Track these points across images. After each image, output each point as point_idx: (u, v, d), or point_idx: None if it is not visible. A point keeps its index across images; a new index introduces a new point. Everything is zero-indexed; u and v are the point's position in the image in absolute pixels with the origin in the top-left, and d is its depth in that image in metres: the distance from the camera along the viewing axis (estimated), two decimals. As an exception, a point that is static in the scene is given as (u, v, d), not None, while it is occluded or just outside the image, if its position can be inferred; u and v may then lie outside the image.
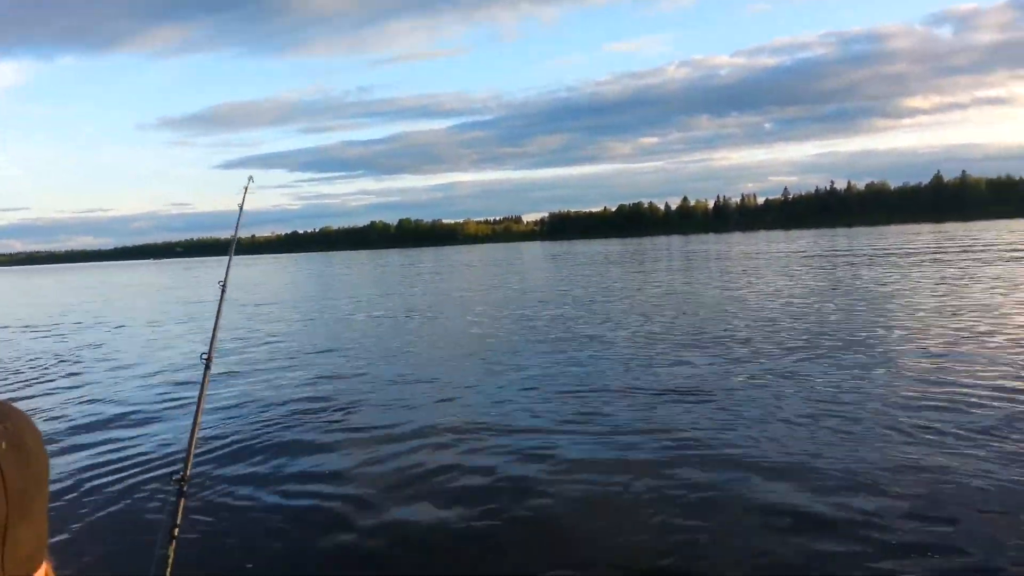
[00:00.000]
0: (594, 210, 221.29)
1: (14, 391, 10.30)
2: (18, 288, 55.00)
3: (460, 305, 19.81)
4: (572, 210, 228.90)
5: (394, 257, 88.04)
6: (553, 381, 8.72)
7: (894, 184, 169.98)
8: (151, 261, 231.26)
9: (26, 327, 19.80)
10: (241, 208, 4.40)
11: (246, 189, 4.46)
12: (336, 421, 7.47)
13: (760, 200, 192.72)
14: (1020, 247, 30.82)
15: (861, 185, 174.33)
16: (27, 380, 11.11)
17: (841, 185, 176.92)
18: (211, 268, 75.24)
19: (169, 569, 2.11)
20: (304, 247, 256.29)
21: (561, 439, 6.26)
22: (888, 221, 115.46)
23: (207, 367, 2.92)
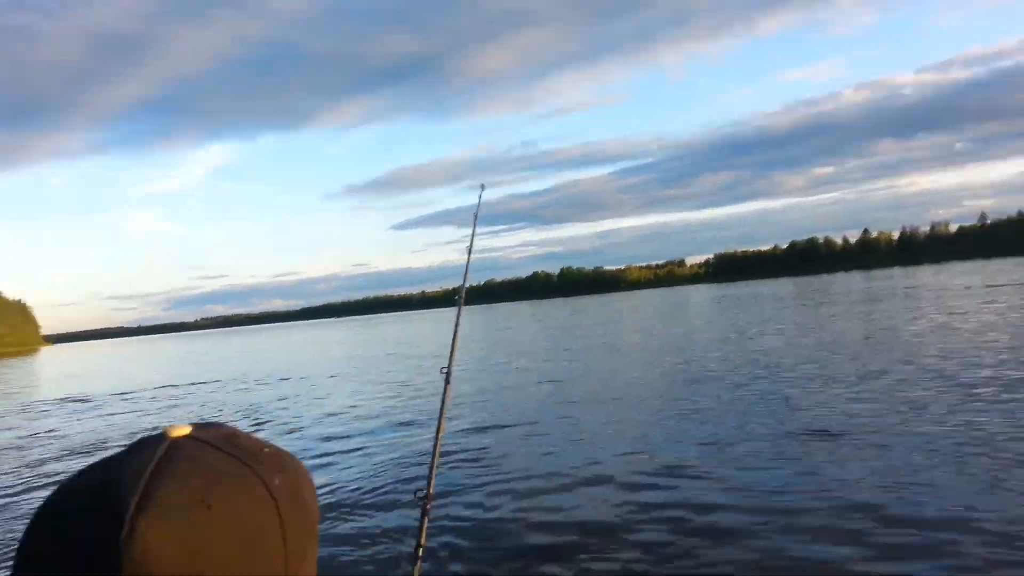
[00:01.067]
0: (763, 248, 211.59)
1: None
2: (227, 348, 61.32)
3: (626, 352, 19.39)
4: (740, 250, 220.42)
5: (556, 307, 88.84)
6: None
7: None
8: (336, 320, 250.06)
9: (251, 381, 21.90)
10: (473, 231, 4.13)
11: (480, 197, 4.17)
12: (557, 451, 8.07)
13: (953, 228, 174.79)
14: None
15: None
16: (259, 422, 12.42)
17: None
18: (388, 324, 80.00)
19: None
20: (469, 300, 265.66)
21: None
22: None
23: (447, 381, 2.79)
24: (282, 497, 0.57)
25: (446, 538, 5.43)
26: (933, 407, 8.43)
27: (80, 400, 20.75)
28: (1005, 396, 8.60)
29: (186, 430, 0.58)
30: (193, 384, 22.99)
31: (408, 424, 10.96)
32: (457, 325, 3.30)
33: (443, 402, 2.62)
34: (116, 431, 13.40)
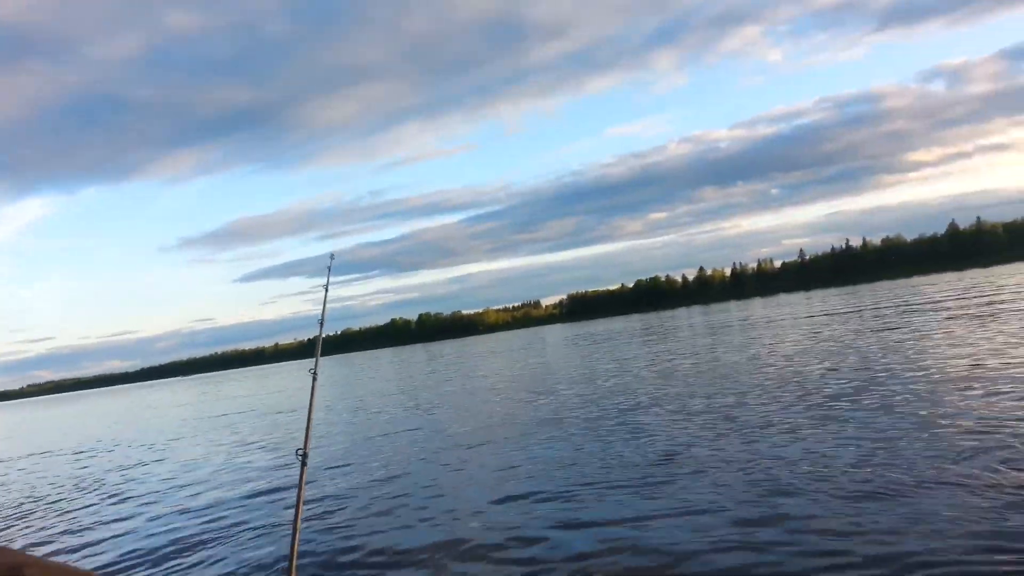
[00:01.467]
0: (612, 288, 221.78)
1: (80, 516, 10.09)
2: (54, 416, 55.35)
3: (495, 391, 19.52)
4: (590, 290, 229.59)
5: (417, 352, 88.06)
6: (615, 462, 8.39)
7: (909, 236, 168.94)
8: (179, 379, 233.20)
9: (66, 452, 19.74)
10: (326, 291, 4.11)
11: (329, 269, 4.25)
12: (426, 517, 7.35)
13: (777, 264, 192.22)
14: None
15: (877, 240, 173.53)
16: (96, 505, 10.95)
17: (856, 242, 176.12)
18: (237, 381, 75.55)
19: None
20: (327, 350, 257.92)
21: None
22: (910, 273, 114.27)
23: (303, 463, 2.73)
24: None
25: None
26: (770, 425, 9.17)
27: None
28: (837, 407, 9.52)
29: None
30: (13, 459, 20.58)
31: (259, 494, 10.37)
32: (311, 408, 3.29)
33: (300, 485, 2.56)
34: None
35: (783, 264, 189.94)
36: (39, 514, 10.92)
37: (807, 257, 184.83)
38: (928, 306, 28.81)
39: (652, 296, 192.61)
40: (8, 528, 10.23)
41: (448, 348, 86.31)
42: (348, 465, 11.20)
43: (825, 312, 36.96)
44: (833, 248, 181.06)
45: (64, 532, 9.37)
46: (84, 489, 12.81)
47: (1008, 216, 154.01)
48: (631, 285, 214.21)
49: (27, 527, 10.13)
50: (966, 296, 31.95)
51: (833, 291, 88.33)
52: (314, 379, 3.60)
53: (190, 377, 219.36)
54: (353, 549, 6.63)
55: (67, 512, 10.74)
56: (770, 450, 8.03)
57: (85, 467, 16.16)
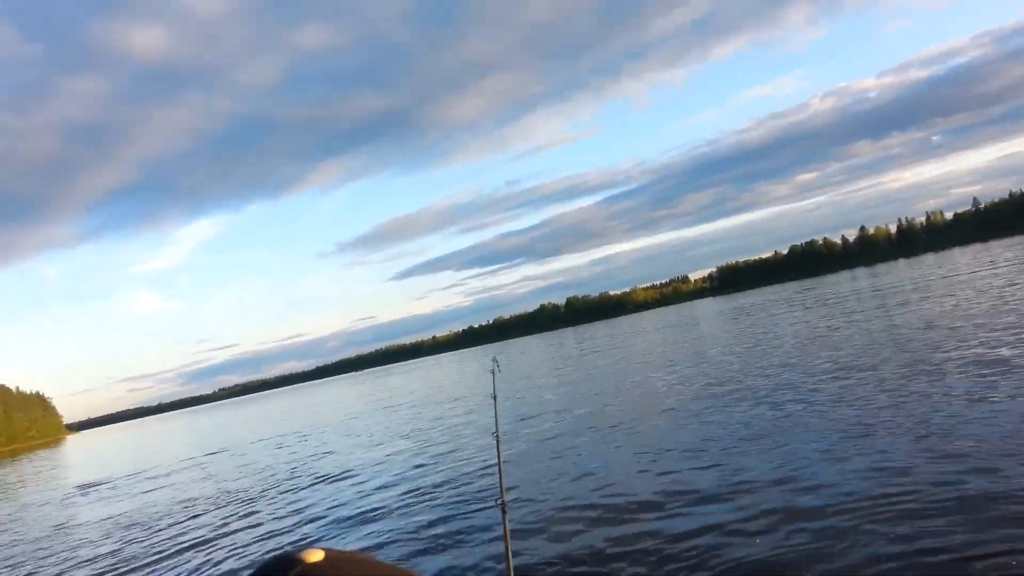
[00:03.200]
0: (764, 256, 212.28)
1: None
2: (251, 413, 62.11)
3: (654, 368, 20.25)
4: (741, 260, 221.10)
5: (568, 336, 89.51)
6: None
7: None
8: (352, 374, 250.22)
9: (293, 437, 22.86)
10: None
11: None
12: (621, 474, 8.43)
13: (948, 215, 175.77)
14: None
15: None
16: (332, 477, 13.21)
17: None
18: (399, 375, 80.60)
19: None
20: (482, 339, 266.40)
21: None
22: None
23: (498, 441, 3.71)
24: None
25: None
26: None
27: (118, 480, 21.75)
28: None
29: (319, 555, 0.58)
30: (213, 454, 24.12)
31: (456, 472, 11.91)
32: (495, 393, 4.49)
33: (499, 460, 3.35)
34: (167, 505, 14.40)
35: (955, 215, 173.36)
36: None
37: (982, 205, 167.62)
38: None
39: (809, 261, 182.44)
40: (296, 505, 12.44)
41: (599, 330, 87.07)
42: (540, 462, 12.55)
43: (1009, 263, 34.20)
44: (1011, 193, 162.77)
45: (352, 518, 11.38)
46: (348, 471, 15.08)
47: None
48: (784, 252, 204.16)
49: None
50: None
51: (1017, 239, 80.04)
52: (494, 370, 5.05)
53: (362, 372, 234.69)
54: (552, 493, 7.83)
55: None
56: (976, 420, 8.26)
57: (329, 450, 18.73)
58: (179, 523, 11.86)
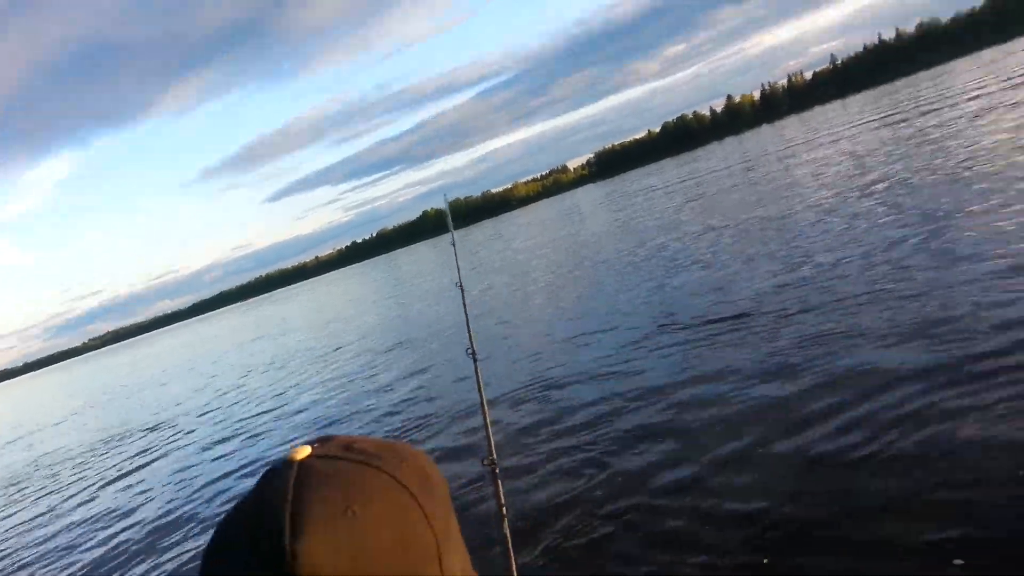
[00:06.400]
0: (639, 136, 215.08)
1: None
2: (123, 363, 56.93)
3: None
4: (616, 143, 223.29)
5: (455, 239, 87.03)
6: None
7: (944, 16, 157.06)
8: (236, 305, 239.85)
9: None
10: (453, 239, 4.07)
11: (446, 200, 4.20)
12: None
13: (808, 75, 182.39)
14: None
15: (910, 28, 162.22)
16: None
17: (889, 34, 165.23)
18: (280, 303, 76.52)
19: (510, 543, 2.12)
20: (366, 254, 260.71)
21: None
22: (951, 57, 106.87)
23: (475, 361, 2.84)
24: (412, 485, 0.60)
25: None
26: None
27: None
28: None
29: (307, 451, 0.60)
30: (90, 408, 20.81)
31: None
32: (466, 311, 3.24)
33: (478, 382, 2.68)
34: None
35: (814, 74, 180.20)
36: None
37: (839, 61, 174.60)
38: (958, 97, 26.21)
39: (682, 137, 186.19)
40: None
41: (486, 228, 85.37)
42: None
43: (856, 123, 34.40)
44: (865, 46, 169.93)
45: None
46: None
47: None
48: (657, 130, 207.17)
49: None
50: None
51: (871, 93, 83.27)
52: (462, 289, 3.56)
53: (243, 303, 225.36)
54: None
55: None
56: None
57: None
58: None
